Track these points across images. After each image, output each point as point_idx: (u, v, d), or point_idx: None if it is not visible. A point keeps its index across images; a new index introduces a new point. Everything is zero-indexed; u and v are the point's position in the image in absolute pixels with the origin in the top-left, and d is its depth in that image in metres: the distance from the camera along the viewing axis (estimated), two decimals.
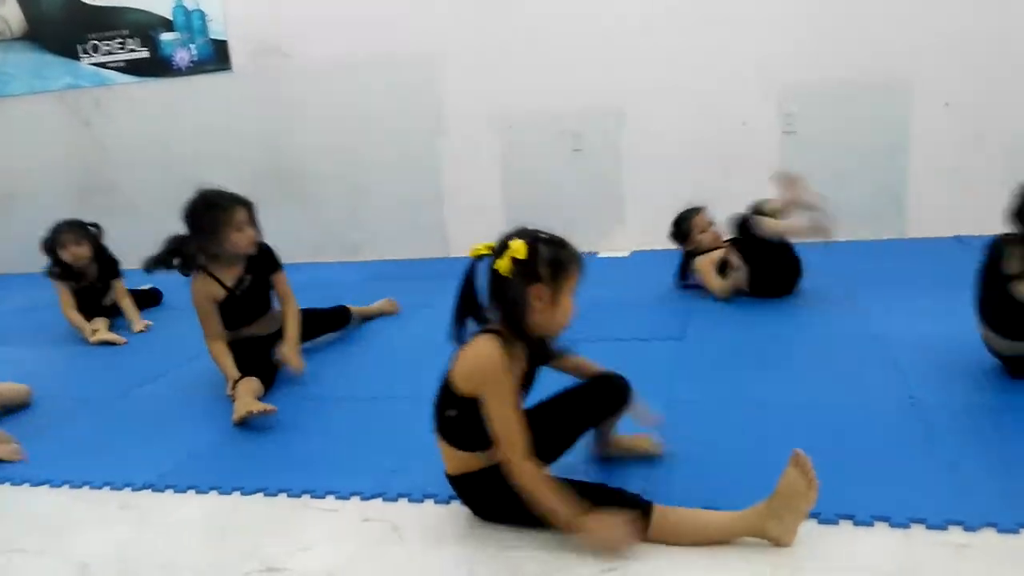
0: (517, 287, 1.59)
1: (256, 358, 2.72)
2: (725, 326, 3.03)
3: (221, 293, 2.74)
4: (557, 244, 1.65)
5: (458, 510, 1.81)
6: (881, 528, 1.59)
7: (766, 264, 3.26)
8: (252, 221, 2.73)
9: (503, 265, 1.59)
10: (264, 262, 2.86)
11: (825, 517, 1.63)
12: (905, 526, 1.59)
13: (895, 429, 2.02)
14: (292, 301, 2.91)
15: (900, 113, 4.16)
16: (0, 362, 3.40)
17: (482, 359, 1.60)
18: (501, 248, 1.61)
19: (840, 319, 2.95)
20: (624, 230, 4.62)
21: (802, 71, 4.24)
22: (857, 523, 1.61)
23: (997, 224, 2.18)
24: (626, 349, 2.82)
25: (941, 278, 3.43)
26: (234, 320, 2.80)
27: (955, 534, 1.55)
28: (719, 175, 4.42)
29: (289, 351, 2.77)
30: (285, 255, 5.81)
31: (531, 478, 1.59)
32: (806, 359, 2.27)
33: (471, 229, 4.87)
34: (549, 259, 1.62)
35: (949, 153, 4.15)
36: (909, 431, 2.01)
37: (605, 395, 1.86)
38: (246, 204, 2.72)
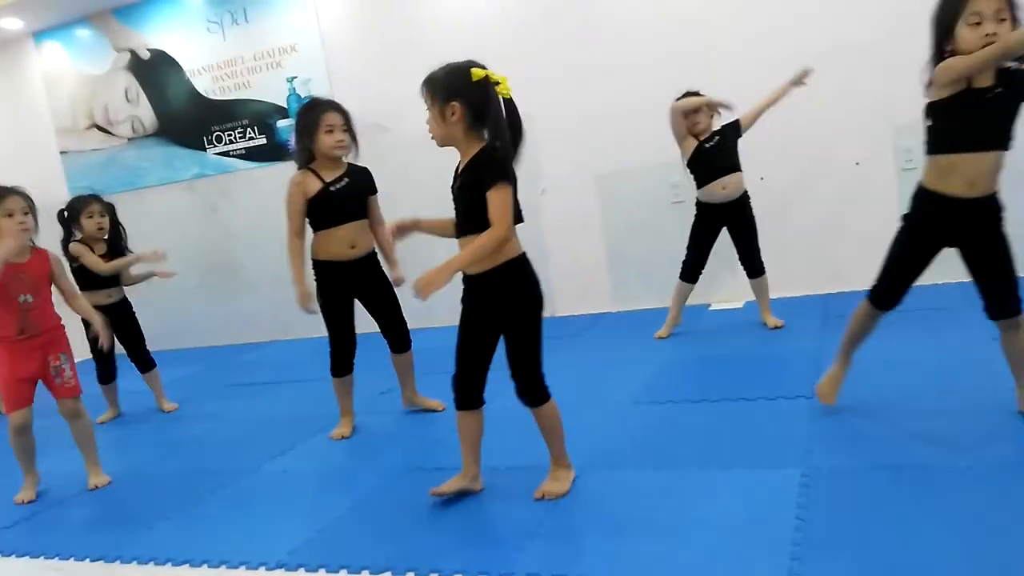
0: None
1: (358, 281, 3.09)
2: (862, 379, 2.65)
3: (316, 187, 2.97)
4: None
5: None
6: None
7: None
8: (345, 126, 2.99)
9: None
10: (364, 179, 3.11)
11: None
12: None
13: None
14: (384, 225, 3.10)
15: None
16: (135, 434, 3.61)
17: None
18: None
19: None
20: (735, 280, 4.45)
21: (919, 108, 4.02)
22: None
23: None
24: (753, 409, 2.69)
25: None
26: (326, 217, 3.01)
27: None
28: (834, 216, 4.23)
29: (398, 271, 3.14)
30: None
31: None
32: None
33: (577, 288, 4.85)
34: None
35: None
36: None
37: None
38: (339, 110, 2.99)
